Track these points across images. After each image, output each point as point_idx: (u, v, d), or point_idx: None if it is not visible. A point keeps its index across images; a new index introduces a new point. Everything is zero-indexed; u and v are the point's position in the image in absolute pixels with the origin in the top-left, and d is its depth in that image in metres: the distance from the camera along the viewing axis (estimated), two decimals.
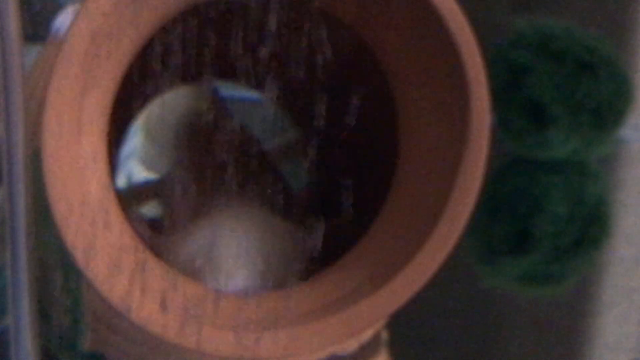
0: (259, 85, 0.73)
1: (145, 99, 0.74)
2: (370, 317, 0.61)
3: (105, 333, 0.65)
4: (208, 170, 0.70)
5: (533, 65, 1.13)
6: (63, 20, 0.71)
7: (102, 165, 0.58)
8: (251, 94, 0.80)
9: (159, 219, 0.74)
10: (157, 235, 0.67)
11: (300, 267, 0.65)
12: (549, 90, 1.12)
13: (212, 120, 0.76)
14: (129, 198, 0.72)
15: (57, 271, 0.63)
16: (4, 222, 0.52)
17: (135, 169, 0.83)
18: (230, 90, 0.82)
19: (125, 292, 0.57)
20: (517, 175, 1.18)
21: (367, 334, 0.67)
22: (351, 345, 0.67)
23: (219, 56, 0.65)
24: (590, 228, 1.03)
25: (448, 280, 0.66)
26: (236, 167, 0.68)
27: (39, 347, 0.55)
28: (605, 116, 1.14)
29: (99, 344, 0.65)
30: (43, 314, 0.57)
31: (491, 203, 1.04)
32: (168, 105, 0.80)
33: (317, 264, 0.65)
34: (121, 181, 0.77)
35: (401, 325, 0.71)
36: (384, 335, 0.72)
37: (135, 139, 0.83)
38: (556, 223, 1.01)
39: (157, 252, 0.64)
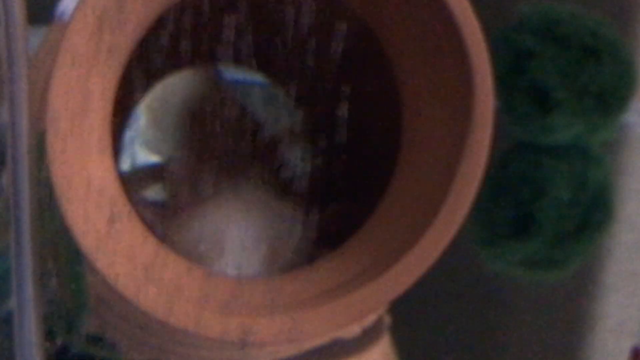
0: (262, 69, 0.73)
1: (149, 82, 0.74)
2: (373, 302, 0.61)
3: (109, 317, 0.65)
4: (212, 154, 0.70)
5: (537, 50, 1.13)
6: (68, 2, 0.71)
7: (106, 148, 0.58)
8: (255, 77, 0.80)
9: (163, 202, 0.74)
10: (161, 219, 0.67)
11: (303, 251, 0.65)
12: (553, 75, 1.12)
13: (216, 104, 0.76)
14: (133, 181, 0.72)
15: (60, 255, 0.63)
16: (8, 205, 0.52)
17: (139, 152, 0.83)
18: (234, 73, 0.82)
19: (129, 276, 0.58)
20: (521, 160, 1.18)
21: (370, 319, 0.68)
22: (354, 330, 0.68)
23: (223, 39, 0.65)
24: (593, 213, 1.03)
25: (451, 265, 0.66)
26: (239, 150, 0.68)
27: (42, 331, 0.55)
28: (609, 101, 1.13)
29: (102, 327, 0.65)
30: (47, 298, 0.57)
31: (494, 188, 1.04)
32: (172, 88, 0.79)
33: (320, 248, 0.65)
34: (125, 164, 0.77)
35: (404, 311, 0.71)
36: (387, 320, 0.72)
37: (139, 122, 0.83)
38: (559, 208, 1.01)
39: (161, 235, 0.64)
